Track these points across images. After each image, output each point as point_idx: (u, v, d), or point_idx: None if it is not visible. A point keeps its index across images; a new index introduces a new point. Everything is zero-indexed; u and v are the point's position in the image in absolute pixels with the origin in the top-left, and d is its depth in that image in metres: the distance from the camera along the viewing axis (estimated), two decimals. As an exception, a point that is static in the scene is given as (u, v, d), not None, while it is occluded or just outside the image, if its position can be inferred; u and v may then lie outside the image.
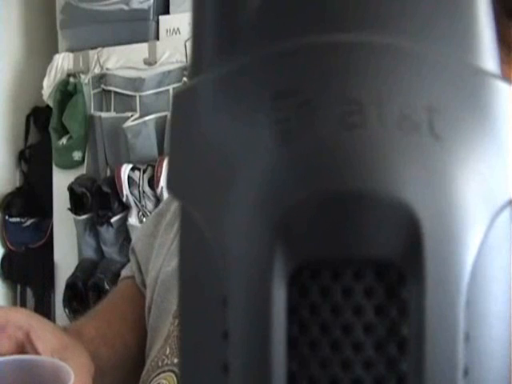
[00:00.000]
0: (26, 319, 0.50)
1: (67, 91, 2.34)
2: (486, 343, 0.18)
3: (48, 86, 2.40)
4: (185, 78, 2.10)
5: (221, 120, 0.20)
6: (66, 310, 2.28)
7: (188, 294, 0.20)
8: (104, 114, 2.26)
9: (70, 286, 2.26)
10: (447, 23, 0.20)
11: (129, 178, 2.11)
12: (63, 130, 2.37)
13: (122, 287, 0.71)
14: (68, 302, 2.28)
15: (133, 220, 2.15)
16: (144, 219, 2.12)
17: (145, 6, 2.23)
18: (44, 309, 2.57)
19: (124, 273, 0.71)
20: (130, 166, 2.12)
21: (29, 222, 2.58)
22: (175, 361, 0.55)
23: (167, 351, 0.56)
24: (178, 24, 2.19)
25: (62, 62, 2.37)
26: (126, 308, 0.67)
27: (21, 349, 0.50)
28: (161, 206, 0.72)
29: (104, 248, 2.27)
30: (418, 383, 0.17)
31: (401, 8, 0.19)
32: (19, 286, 2.64)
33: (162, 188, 2.05)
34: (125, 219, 2.18)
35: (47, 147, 2.44)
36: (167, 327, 0.58)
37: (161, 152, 2.13)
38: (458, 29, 0.20)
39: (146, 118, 2.14)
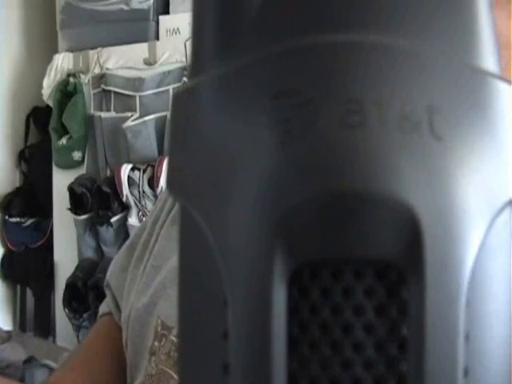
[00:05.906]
0: None
1: (67, 91, 2.34)
2: (485, 343, 0.18)
3: (48, 86, 2.40)
4: (185, 78, 2.10)
5: (221, 120, 0.20)
6: (66, 310, 2.29)
7: (188, 294, 0.20)
8: (104, 114, 2.26)
9: (70, 285, 2.27)
10: (447, 23, 0.20)
11: (129, 178, 2.11)
12: (63, 130, 2.37)
13: (100, 326, 0.69)
14: (68, 301, 2.28)
15: (133, 220, 2.15)
16: (144, 219, 2.12)
17: (145, 6, 2.23)
18: (44, 309, 2.57)
19: (101, 310, 0.69)
20: (130, 165, 2.12)
21: (29, 222, 2.58)
22: None
23: None
24: (178, 24, 2.19)
25: (62, 61, 2.37)
26: (106, 351, 0.65)
27: None
28: (132, 237, 0.69)
29: (104, 248, 2.27)
30: (417, 383, 0.17)
31: (401, 8, 0.19)
32: (19, 286, 2.64)
33: (161, 188, 2.05)
34: (125, 219, 2.18)
35: (47, 147, 2.44)
36: (145, 364, 0.57)
37: (161, 152, 2.14)
38: (458, 28, 0.20)
39: (146, 118, 2.14)
